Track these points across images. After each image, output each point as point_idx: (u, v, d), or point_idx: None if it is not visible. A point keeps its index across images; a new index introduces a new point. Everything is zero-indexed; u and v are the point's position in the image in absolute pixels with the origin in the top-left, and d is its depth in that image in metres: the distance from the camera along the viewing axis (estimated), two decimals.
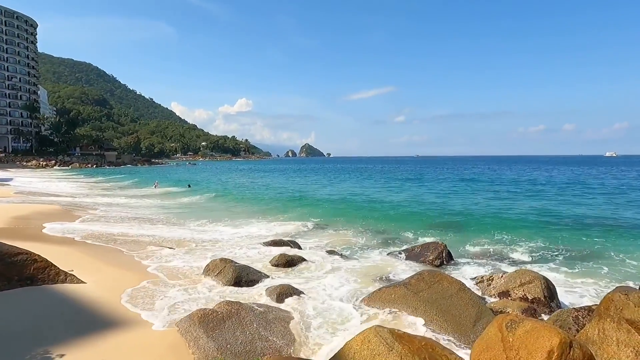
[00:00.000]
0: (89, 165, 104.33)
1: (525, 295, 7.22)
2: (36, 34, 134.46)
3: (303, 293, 7.46)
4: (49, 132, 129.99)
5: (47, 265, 7.20)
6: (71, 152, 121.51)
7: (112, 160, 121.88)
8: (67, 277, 7.27)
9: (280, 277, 8.74)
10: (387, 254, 11.61)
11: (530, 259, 10.72)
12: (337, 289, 7.98)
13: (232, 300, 6.60)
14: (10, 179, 46.12)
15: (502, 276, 8.11)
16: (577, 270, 9.29)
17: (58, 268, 7.31)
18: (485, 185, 37.75)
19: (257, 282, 8.23)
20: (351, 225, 16.63)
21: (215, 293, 7.48)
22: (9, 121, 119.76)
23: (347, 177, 55.81)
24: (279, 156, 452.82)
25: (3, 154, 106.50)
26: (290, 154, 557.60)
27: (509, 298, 7.39)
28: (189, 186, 38.11)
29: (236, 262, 8.71)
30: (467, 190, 32.09)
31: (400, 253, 11.47)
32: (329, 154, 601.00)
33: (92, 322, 5.77)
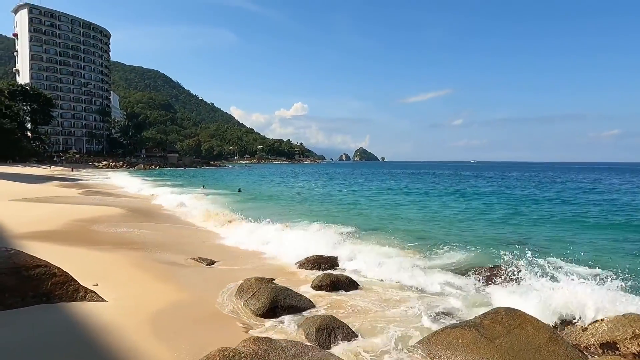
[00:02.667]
0: (153, 167, 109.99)
1: None
2: (109, 44, 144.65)
3: (349, 329, 6.22)
4: (119, 135, 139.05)
5: (67, 279, 6.54)
6: (137, 154, 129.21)
7: (174, 162, 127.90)
8: (87, 294, 6.56)
9: (323, 303, 7.56)
10: (448, 279, 10.04)
11: (630, 295, 8.67)
12: (391, 322, 6.66)
13: (261, 335, 5.51)
14: (83, 179, 49.12)
15: (603, 320, 6.36)
16: None
17: (78, 283, 6.63)
18: (557, 198, 34.30)
19: (296, 310, 7.11)
20: (404, 240, 15.09)
21: (245, 323, 6.45)
22: (84, 124, 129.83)
23: (401, 183, 53.65)
24: (332, 160, 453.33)
25: (78, 155, 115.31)
26: (344, 158, 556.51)
27: (617, 353, 5.68)
28: (240, 190, 37.21)
29: (274, 283, 7.65)
30: (538, 202, 29.12)
31: (459, 275, 9.90)
32: (383, 158, 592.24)
33: (90, 355, 4.92)
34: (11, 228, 13.05)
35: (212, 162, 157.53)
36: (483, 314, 6.10)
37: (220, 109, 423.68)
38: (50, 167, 76.69)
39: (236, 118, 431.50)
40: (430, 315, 6.91)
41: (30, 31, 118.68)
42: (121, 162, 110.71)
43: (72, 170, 77.20)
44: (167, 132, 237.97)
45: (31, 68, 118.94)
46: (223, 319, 6.59)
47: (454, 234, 16.20)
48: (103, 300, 6.64)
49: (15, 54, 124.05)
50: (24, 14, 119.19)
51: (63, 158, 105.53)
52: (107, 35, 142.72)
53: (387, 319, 6.81)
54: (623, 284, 9.31)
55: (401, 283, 9.26)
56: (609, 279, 9.73)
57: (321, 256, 10.87)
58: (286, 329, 6.35)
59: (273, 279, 7.94)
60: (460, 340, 5.58)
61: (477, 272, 9.80)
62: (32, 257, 6.53)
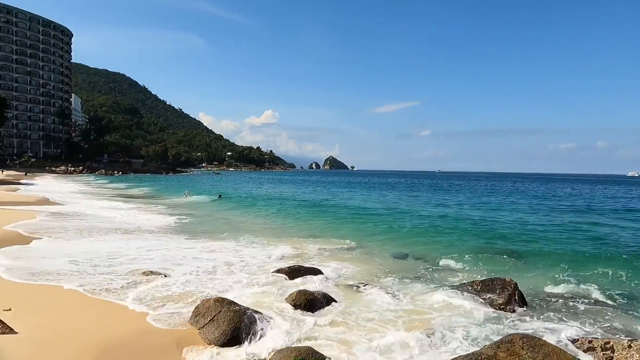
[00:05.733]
0: (115, 172, 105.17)
1: None
2: (71, 44, 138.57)
3: None
4: (79, 138, 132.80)
5: None
6: (99, 159, 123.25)
7: (138, 168, 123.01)
8: None
9: (298, 327, 6.28)
10: (437, 291, 9.00)
11: None
12: (379, 353, 5.45)
13: None
14: (32, 184, 45.73)
15: (629, 344, 5.41)
16: None
17: None
18: (533, 203, 34.35)
19: (265, 337, 5.80)
20: (383, 248, 14.10)
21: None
22: (41, 127, 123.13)
23: (373, 191, 53.07)
24: (302, 168, 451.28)
25: (34, 159, 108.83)
26: (314, 166, 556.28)
27: None
28: (220, 196, 35.83)
29: (237, 304, 6.30)
30: (514, 209, 28.85)
31: (455, 291, 8.85)
32: (352, 167, 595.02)
33: None
34: None
35: (178, 169, 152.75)
36: (495, 342, 4.99)
37: (188, 115, 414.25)
38: (2, 171, 71.68)
39: (205, 124, 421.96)
40: (430, 344, 5.74)
41: None
42: (81, 167, 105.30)
43: (26, 174, 72.41)
44: (132, 137, 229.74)
45: None
46: (169, 355, 5.19)
47: (443, 245, 15.27)
48: (13, 332, 5.11)
49: None
50: None
51: (17, 162, 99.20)
52: (69, 35, 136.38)
53: (374, 349, 5.59)
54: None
55: (383, 292, 8.11)
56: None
57: (300, 267, 9.61)
58: None
59: (234, 302, 6.55)
60: None
61: (478, 289, 8.68)
62: None
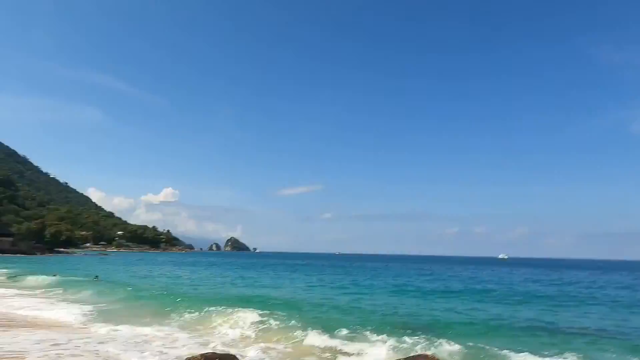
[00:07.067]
0: None
1: None
2: None
3: None
4: None
5: None
6: None
7: (6, 248, 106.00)
8: None
9: None
10: None
11: None
12: None
13: None
14: None
15: None
16: None
17: None
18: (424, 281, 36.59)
19: None
20: (301, 328, 13.65)
21: None
22: None
23: (279, 272, 52.25)
24: (202, 249, 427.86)
25: None
26: (214, 247, 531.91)
27: None
28: (97, 277, 33.53)
29: None
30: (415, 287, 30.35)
31: None
32: (255, 249, 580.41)
33: None
34: None
35: (56, 249, 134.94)
36: None
37: (75, 190, 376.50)
38: None
39: (94, 201, 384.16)
40: None
41: None
42: None
43: None
44: (2, 212, 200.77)
45: None
46: None
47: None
48: None
49: None
50: None
51: None
52: None
53: None
54: None
55: None
56: None
57: (214, 354, 8.80)
58: None
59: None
60: None
61: None
62: None
